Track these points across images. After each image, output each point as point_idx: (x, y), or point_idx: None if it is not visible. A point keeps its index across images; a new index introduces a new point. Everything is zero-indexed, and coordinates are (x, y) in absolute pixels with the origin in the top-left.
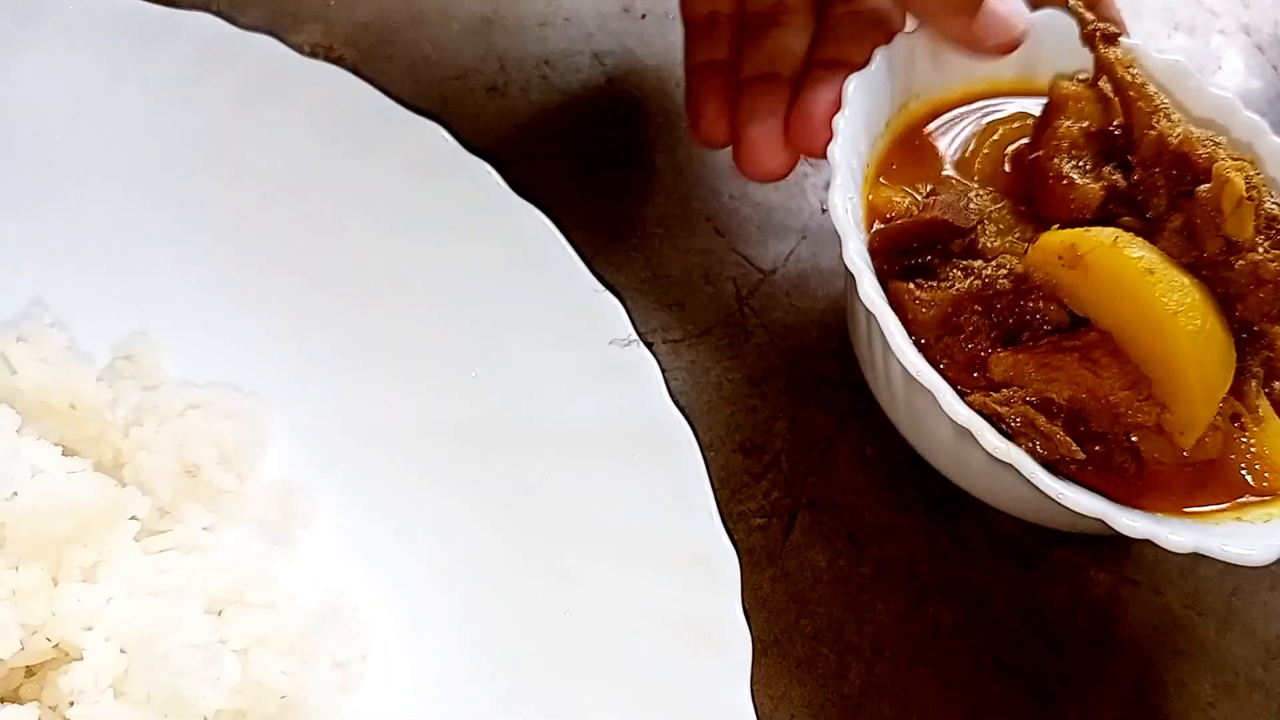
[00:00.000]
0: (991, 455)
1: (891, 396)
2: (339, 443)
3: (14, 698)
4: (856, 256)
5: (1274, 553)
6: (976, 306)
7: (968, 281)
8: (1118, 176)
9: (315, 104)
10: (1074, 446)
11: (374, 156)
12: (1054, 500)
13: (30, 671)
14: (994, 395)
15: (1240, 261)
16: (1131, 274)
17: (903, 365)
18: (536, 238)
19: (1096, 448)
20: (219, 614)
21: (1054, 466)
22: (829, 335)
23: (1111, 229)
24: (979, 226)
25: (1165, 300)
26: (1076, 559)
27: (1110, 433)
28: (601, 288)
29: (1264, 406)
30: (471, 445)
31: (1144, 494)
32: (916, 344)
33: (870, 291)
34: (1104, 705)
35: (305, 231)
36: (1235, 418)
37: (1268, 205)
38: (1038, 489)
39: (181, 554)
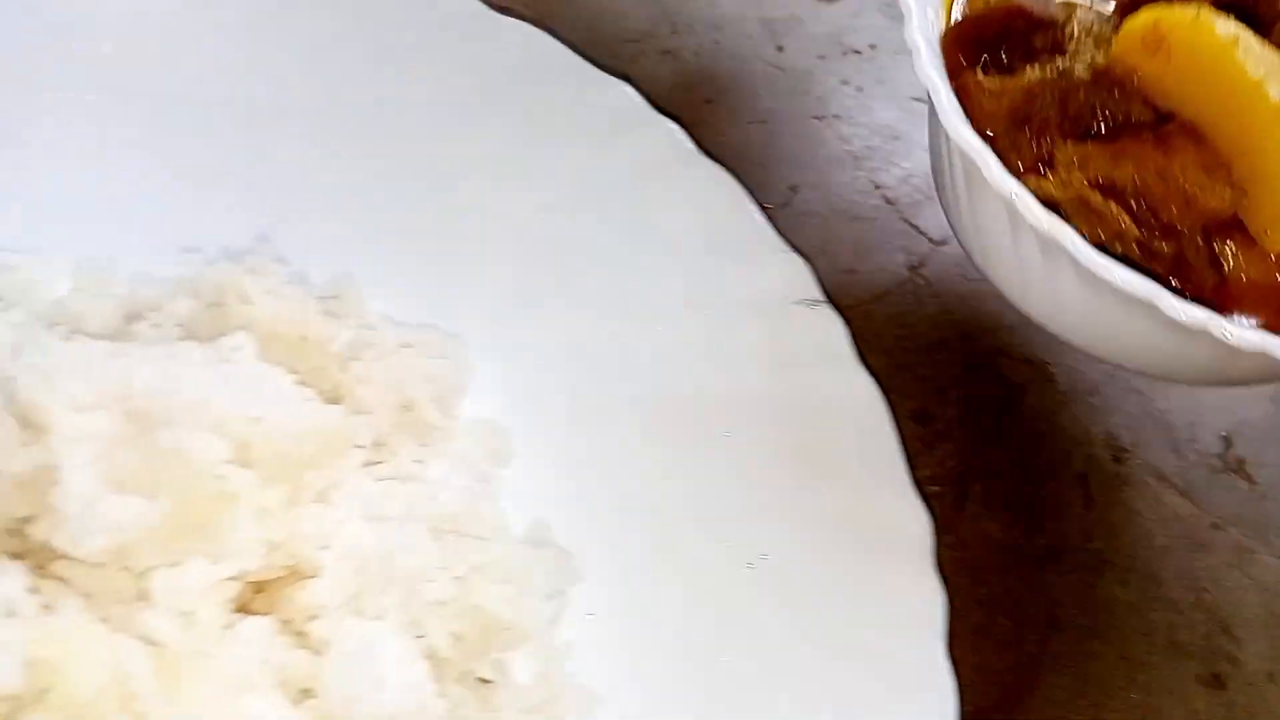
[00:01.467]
0: (1045, 239)
1: (958, 209)
2: (535, 384)
3: (245, 611)
4: (917, 33)
5: None
6: (1050, 99)
7: (1042, 71)
8: None
9: (506, 58)
10: (1127, 219)
11: (563, 112)
12: (1106, 281)
13: (259, 588)
14: (1050, 178)
15: None
16: (1214, 45)
17: (958, 151)
18: (723, 197)
19: (1166, 246)
20: (440, 541)
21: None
22: (1004, 308)
23: (1196, 3)
24: (1067, 20)
25: (1249, 68)
26: (1245, 542)
27: (1182, 227)
28: (788, 248)
29: None
30: (662, 397)
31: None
32: (981, 137)
33: (927, 66)
34: (1273, 688)
35: (494, 183)
36: None
37: None
38: (1086, 271)
39: (399, 483)
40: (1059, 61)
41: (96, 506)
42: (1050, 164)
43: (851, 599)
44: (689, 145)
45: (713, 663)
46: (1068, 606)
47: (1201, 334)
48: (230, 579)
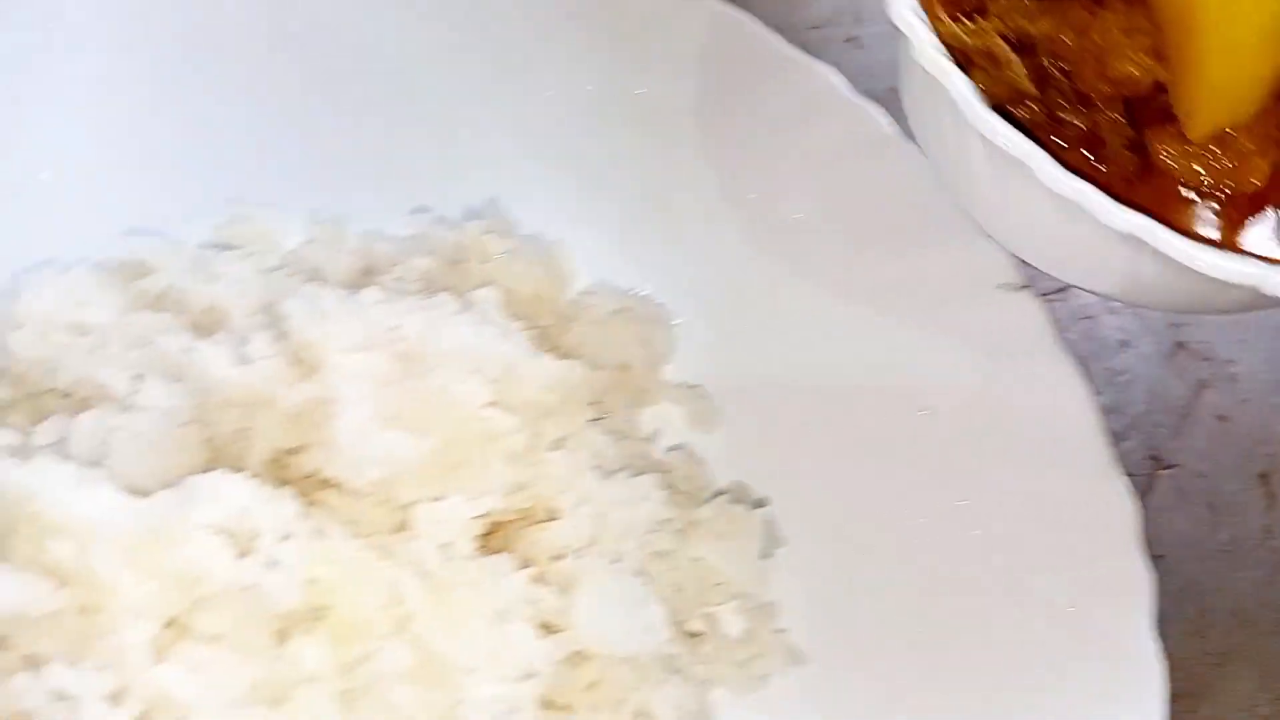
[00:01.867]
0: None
1: (918, 113)
2: (738, 355)
3: (487, 549)
4: None
5: None
6: None
7: None
8: None
9: (705, 39)
10: (1026, 78)
11: (764, 93)
12: (990, 142)
13: (498, 527)
14: (966, 24)
15: None
16: None
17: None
18: (924, 181)
19: (1078, 118)
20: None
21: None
22: None
23: None
24: None
25: None
26: None
27: (1096, 97)
28: (986, 234)
29: None
30: (862, 373)
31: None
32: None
33: None
34: None
35: (699, 161)
36: None
37: None
38: (970, 128)
39: (618, 438)
40: None
41: (372, 439)
42: (984, 12)
43: (1059, 575)
44: (890, 129)
45: (914, 627)
46: (1251, 602)
47: (1085, 218)
48: (481, 516)
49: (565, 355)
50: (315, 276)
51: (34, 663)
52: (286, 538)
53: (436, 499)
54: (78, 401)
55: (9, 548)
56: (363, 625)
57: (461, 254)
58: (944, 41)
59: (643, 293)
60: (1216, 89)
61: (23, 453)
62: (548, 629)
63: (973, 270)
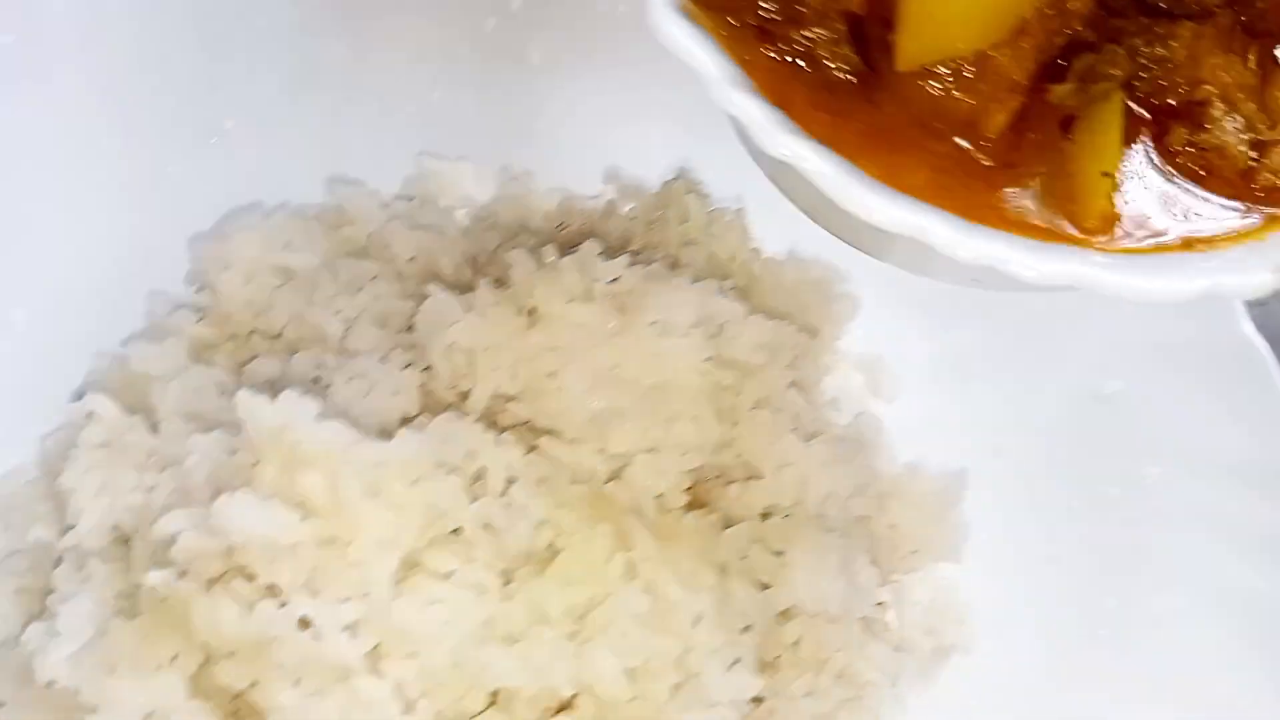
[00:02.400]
0: None
1: None
2: (916, 323)
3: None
4: None
5: None
6: None
7: None
8: None
9: None
10: None
11: None
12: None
13: (696, 480)
14: None
15: None
16: None
17: None
18: None
19: (800, 32)
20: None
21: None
22: None
23: None
24: None
25: None
26: None
27: (806, 9)
28: None
29: (1102, 119)
30: (1044, 349)
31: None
32: None
33: None
34: None
35: None
36: (1066, 123)
37: None
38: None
39: (807, 401)
40: None
41: (591, 389)
42: None
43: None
44: None
45: (1088, 610)
46: None
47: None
48: (693, 470)
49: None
50: (520, 230)
51: (275, 593)
52: (512, 481)
53: (650, 450)
54: (287, 343)
55: (256, 478)
56: (592, 569)
57: (658, 214)
58: None
59: (822, 261)
60: (921, 18)
61: (271, 388)
62: (761, 585)
63: None
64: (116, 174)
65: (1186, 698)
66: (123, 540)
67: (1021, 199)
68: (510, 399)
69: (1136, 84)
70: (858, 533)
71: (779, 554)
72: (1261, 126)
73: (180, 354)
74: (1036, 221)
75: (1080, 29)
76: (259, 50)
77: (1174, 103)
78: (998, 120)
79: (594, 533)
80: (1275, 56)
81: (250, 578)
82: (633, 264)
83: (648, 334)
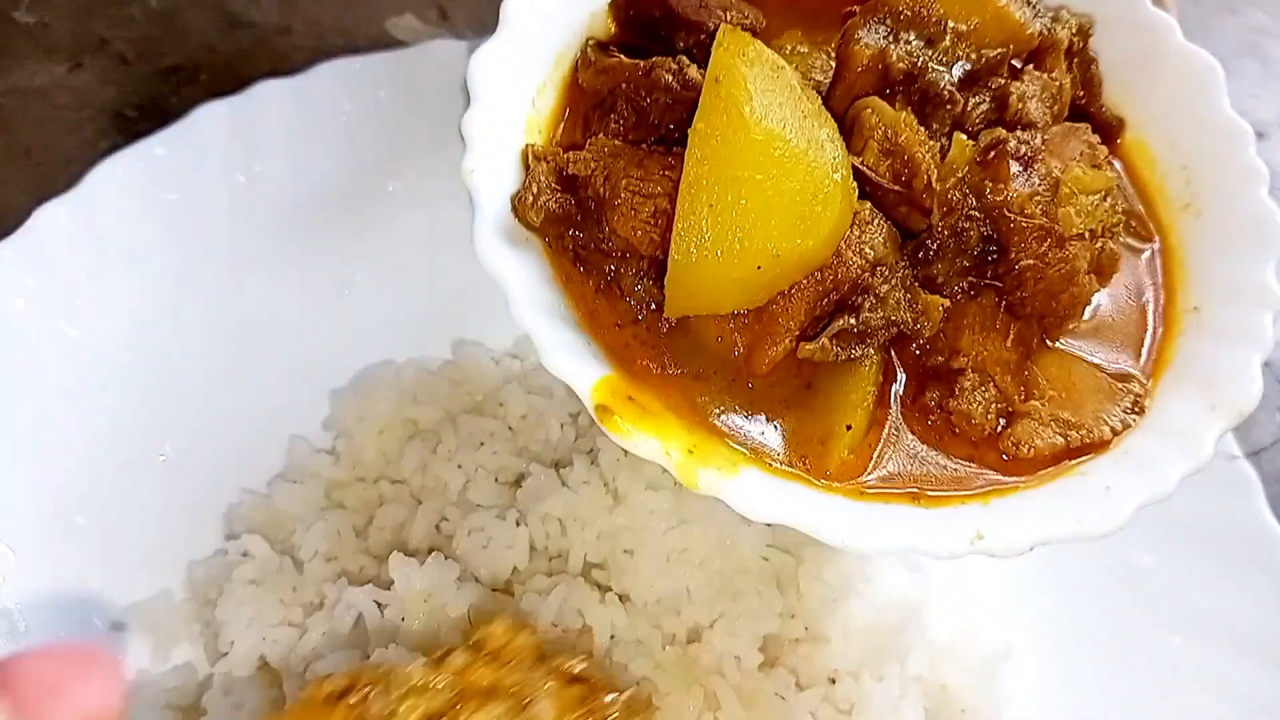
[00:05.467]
0: None
1: None
2: None
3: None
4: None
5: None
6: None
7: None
8: None
9: None
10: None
11: None
12: None
13: (766, 643)
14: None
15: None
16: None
17: None
18: None
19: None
20: None
21: None
22: None
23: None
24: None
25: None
26: None
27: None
28: None
29: (856, 376)
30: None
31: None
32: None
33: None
34: None
35: None
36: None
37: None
38: None
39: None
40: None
41: (664, 567)
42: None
43: None
44: None
45: None
46: None
47: None
48: (761, 635)
49: None
50: None
51: None
52: (614, 640)
53: (723, 617)
54: (412, 491)
55: (403, 632)
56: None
57: None
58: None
59: None
60: (675, 287)
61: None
62: None
63: None
64: (260, 322)
65: None
66: (266, 668)
67: (771, 436)
68: (596, 565)
69: (901, 343)
70: (913, 691)
71: (845, 713)
72: (1016, 398)
73: (318, 495)
74: (780, 457)
75: (850, 291)
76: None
77: (933, 365)
78: (768, 357)
79: (687, 693)
80: (1035, 337)
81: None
82: None
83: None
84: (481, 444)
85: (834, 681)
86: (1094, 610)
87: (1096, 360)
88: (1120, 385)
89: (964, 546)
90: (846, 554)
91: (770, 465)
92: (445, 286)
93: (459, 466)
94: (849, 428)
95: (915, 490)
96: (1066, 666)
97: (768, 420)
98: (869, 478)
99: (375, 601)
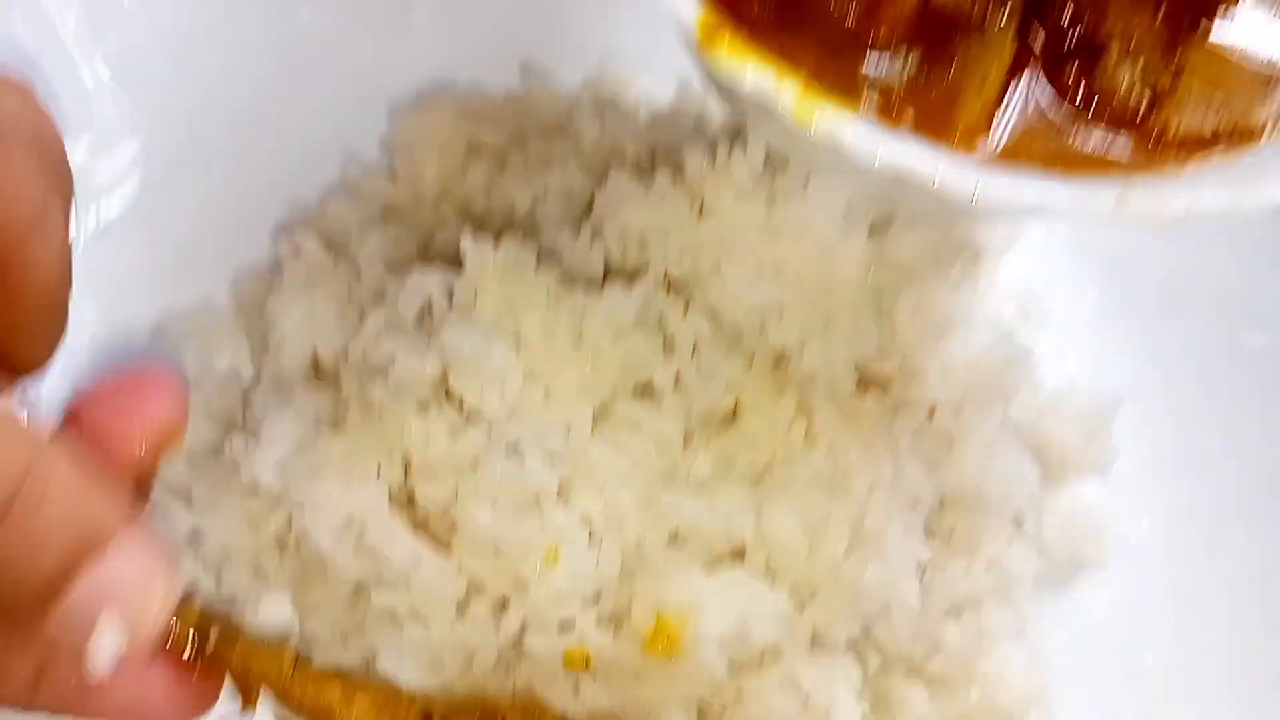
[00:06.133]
0: None
1: None
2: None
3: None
4: None
5: None
6: None
7: None
8: None
9: None
10: None
11: None
12: None
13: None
14: None
15: None
16: None
17: None
18: None
19: None
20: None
21: None
22: None
23: None
24: None
25: None
26: None
27: None
28: None
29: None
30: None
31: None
32: None
33: None
34: None
35: None
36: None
37: None
38: None
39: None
40: None
41: (755, 283)
42: None
43: None
44: None
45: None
46: None
47: None
48: (856, 361)
49: None
50: (696, 134)
51: (478, 420)
52: (698, 347)
53: (812, 339)
54: (474, 214)
55: (476, 312)
56: (775, 431)
57: None
58: None
59: None
60: None
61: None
62: (929, 467)
63: None
64: (317, 41)
65: None
66: (322, 368)
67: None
68: (677, 279)
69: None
70: (1017, 435)
71: (947, 442)
72: (1163, 79)
73: (375, 212)
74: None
75: None
76: None
77: (1073, 40)
78: (894, 12)
79: (778, 399)
80: (1186, 17)
81: (459, 404)
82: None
83: (812, 234)
84: (550, 166)
85: (933, 414)
86: (1210, 386)
87: (1250, 54)
88: (1275, 81)
89: (1107, 206)
90: (971, 221)
91: (891, 121)
92: (514, 9)
93: (526, 187)
94: (978, 95)
95: (1049, 167)
96: (1177, 436)
97: (888, 78)
98: (997, 148)
99: (444, 282)
